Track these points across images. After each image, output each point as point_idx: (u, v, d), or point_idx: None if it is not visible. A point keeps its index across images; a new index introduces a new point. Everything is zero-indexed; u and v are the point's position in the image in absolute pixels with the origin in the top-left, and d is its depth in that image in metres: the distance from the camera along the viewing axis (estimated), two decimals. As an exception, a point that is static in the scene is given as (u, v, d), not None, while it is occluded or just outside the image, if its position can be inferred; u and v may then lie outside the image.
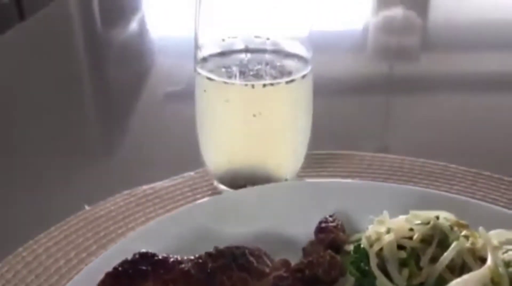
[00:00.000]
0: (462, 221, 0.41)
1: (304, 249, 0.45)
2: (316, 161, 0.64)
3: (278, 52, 0.54)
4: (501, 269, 0.34)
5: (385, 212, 0.41)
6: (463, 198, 0.50)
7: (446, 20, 1.27)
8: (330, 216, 0.47)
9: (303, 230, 0.47)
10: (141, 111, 0.82)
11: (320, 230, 0.46)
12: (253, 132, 0.52)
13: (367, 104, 0.84)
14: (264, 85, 0.50)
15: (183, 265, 0.40)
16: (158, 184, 0.60)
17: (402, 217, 0.40)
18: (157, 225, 0.48)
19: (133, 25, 1.29)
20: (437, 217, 0.40)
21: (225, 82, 0.50)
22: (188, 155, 0.60)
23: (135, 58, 1.05)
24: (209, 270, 0.40)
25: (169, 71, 0.97)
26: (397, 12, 1.38)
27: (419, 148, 0.67)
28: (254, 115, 0.51)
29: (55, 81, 0.91)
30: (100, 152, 0.69)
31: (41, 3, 1.30)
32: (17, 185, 0.61)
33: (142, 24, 1.33)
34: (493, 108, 0.82)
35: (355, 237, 0.44)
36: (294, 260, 0.44)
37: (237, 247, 0.42)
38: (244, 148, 0.53)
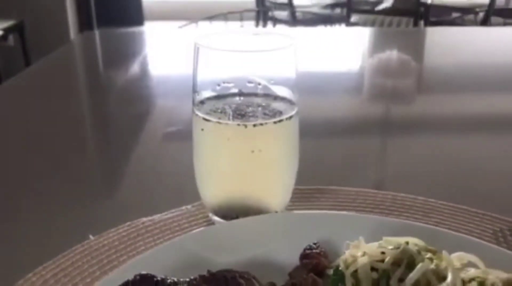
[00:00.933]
0: (430, 247, 0.46)
1: (290, 274, 0.50)
2: (304, 195, 0.69)
3: (268, 95, 0.60)
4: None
5: (361, 238, 0.46)
6: (434, 227, 0.55)
7: (440, 63, 1.33)
8: (314, 243, 0.52)
9: (290, 256, 0.52)
10: (141, 150, 0.88)
11: (304, 256, 0.51)
12: (246, 168, 0.57)
13: (361, 144, 0.89)
14: (255, 125, 0.55)
15: (179, 286, 0.44)
16: (157, 217, 0.64)
17: (375, 243, 0.45)
18: (154, 253, 0.53)
19: (135, 68, 1.35)
20: (407, 243, 0.44)
21: (220, 123, 0.56)
22: (186, 190, 0.65)
23: (136, 100, 1.12)
24: (202, 291, 0.44)
25: (168, 112, 1.03)
26: (392, 55, 1.45)
27: (411, 186, 0.71)
28: (248, 152, 0.56)
29: (56, 123, 0.96)
30: (103, 188, 0.74)
31: (47, 48, 1.38)
32: (30, 221, 0.66)
33: (143, 66, 1.40)
34: (484, 147, 0.86)
35: (336, 262, 0.48)
36: (281, 283, 0.48)
37: (228, 271, 0.47)
38: (237, 182, 0.58)
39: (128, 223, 0.63)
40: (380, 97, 1.14)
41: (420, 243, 0.45)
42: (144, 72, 1.37)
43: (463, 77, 1.20)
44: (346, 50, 1.53)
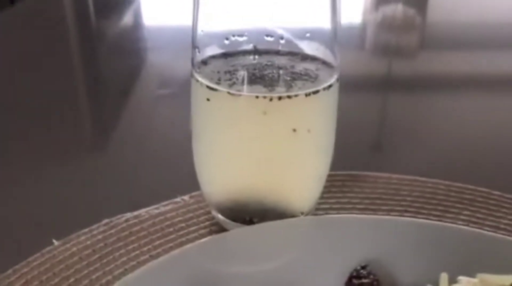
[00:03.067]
0: (542, 287, 0.31)
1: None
2: (334, 184, 0.53)
3: (295, 54, 0.44)
4: None
5: (444, 276, 0.31)
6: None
7: (445, 19, 1.21)
8: (362, 267, 0.37)
9: (326, 282, 0.38)
10: (128, 116, 0.72)
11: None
12: (265, 155, 0.42)
13: (364, 101, 0.78)
14: (280, 98, 0.39)
15: None
16: (144, 212, 0.49)
17: (466, 284, 0.30)
18: (145, 273, 0.37)
19: (128, 17, 1.18)
20: (515, 285, 0.30)
21: (230, 93, 0.40)
22: (183, 172, 0.49)
23: (128, 53, 0.95)
24: None
25: (164, 69, 0.86)
26: (396, 9, 1.32)
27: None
28: (276, 134, 0.40)
29: (41, 73, 0.81)
30: (76, 168, 0.58)
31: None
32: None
33: (137, 15, 1.22)
34: (491, 107, 0.77)
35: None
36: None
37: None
38: (253, 174, 0.43)
39: (105, 220, 0.48)
40: (384, 53, 1.03)
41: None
42: (138, 19, 1.19)
43: (470, 33, 1.09)
44: (349, 3, 1.36)
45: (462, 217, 0.50)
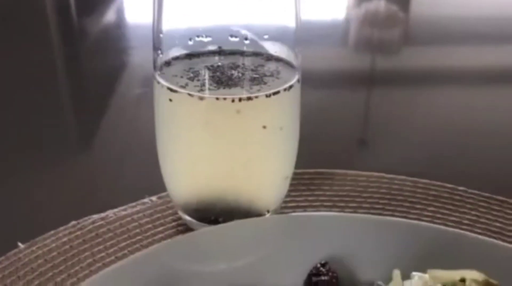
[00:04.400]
0: (492, 280, 0.32)
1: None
2: (302, 182, 0.54)
3: (258, 55, 0.44)
4: None
5: (397, 273, 0.32)
6: (487, 239, 0.41)
7: (428, 14, 1.21)
8: (322, 265, 0.38)
9: (288, 279, 0.38)
10: (110, 114, 0.72)
11: (309, 283, 0.37)
12: (228, 155, 0.42)
13: (347, 96, 0.79)
14: (240, 100, 0.39)
15: None
16: (112, 213, 0.49)
17: (418, 280, 0.31)
18: (109, 275, 0.37)
19: (110, 14, 1.17)
20: (463, 280, 0.30)
21: (191, 95, 0.40)
22: (153, 172, 0.49)
23: (110, 51, 0.94)
24: None
25: (145, 68, 0.86)
26: (379, 4, 1.31)
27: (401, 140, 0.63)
28: (227, 135, 0.41)
29: (22, 72, 0.80)
30: (43, 170, 0.58)
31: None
32: None
33: (119, 12, 1.21)
34: (476, 100, 0.79)
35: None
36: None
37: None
38: (219, 174, 0.43)
39: (72, 223, 0.48)
40: (367, 49, 1.04)
41: (480, 277, 0.31)
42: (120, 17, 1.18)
43: (452, 28, 1.09)
44: None
45: (426, 213, 0.51)
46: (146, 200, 0.51)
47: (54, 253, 0.44)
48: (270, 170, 0.44)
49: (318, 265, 0.38)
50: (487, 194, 0.53)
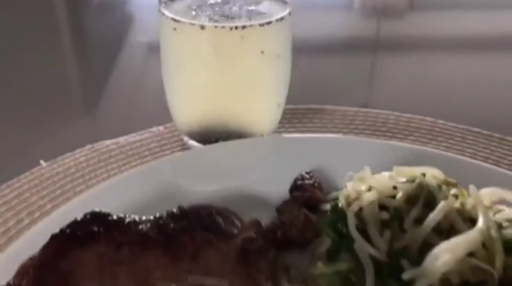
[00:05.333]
0: (451, 179, 0.37)
1: (277, 209, 0.41)
2: (295, 116, 0.59)
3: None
4: (493, 232, 0.30)
5: (367, 168, 0.37)
6: (452, 155, 0.46)
7: None
8: (307, 173, 0.43)
9: (278, 189, 0.43)
10: (115, 61, 0.76)
11: (295, 188, 0.42)
12: (225, 81, 0.47)
13: (352, 62, 0.80)
14: (236, 28, 0.44)
15: (140, 226, 0.36)
16: (123, 139, 0.55)
17: (385, 174, 0.36)
18: (117, 182, 0.43)
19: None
20: (424, 175, 0.36)
21: (193, 24, 0.45)
22: (159, 108, 0.55)
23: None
24: (169, 232, 0.36)
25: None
26: None
27: (405, 105, 0.63)
28: (234, 61, 0.46)
29: (28, 27, 0.84)
30: (61, 104, 0.64)
31: None
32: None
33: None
34: (480, 67, 0.78)
35: (333, 195, 0.40)
36: (267, 220, 0.40)
37: (203, 207, 0.38)
38: (215, 98, 0.48)
39: (88, 146, 0.53)
40: (372, 14, 1.04)
41: (439, 174, 0.37)
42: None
43: None
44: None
45: (406, 141, 0.56)
46: (154, 129, 0.57)
47: (73, 170, 0.50)
48: (266, 95, 0.49)
49: (304, 173, 0.43)
50: (462, 126, 0.58)
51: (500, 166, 0.51)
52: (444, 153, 0.46)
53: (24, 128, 0.57)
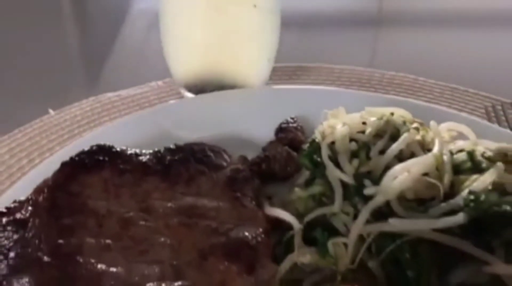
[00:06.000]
0: (417, 119, 0.41)
1: (263, 148, 0.46)
2: (285, 73, 0.63)
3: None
4: (445, 157, 0.35)
5: (341, 107, 0.42)
6: (422, 102, 0.50)
7: None
8: (292, 118, 0.48)
9: (265, 132, 0.48)
10: (118, 27, 0.80)
11: (280, 130, 0.47)
12: (218, 34, 0.51)
13: (351, 33, 0.82)
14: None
15: (141, 157, 0.40)
16: (124, 92, 0.59)
17: (357, 114, 0.41)
18: (119, 125, 0.48)
19: None
20: (392, 114, 0.40)
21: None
22: (159, 65, 0.59)
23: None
24: (166, 162, 0.40)
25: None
26: None
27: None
28: (219, 15, 0.50)
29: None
30: (67, 57, 0.68)
31: None
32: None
33: None
34: (480, 41, 0.79)
35: (313, 136, 0.44)
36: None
37: (197, 143, 0.43)
38: (208, 51, 0.52)
39: (92, 98, 0.58)
40: None
41: (407, 115, 0.41)
42: None
43: None
44: None
45: (388, 96, 0.60)
46: (153, 83, 0.61)
47: (79, 118, 0.55)
48: (257, 48, 0.53)
49: (289, 118, 0.48)
50: (442, 83, 0.62)
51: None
52: (414, 101, 0.50)
53: (35, 81, 0.62)
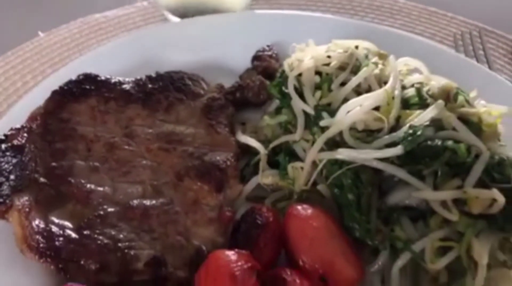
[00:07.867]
0: (383, 51, 0.44)
1: (240, 76, 0.49)
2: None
3: None
4: (396, 92, 0.38)
5: (311, 41, 0.44)
6: (392, 29, 0.53)
7: None
8: (268, 46, 0.51)
9: (243, 60, 0.51)
10: None
11: (256, 58, 0.50)
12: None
13: None
14: None
15: (124, 85, 0.44)
16: (111, 13, 0.61)
17: (324, 46, 0.44)
18: (104, 50, 0.51)
19: None
20: (357, 47, 0.43)
21: None
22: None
23: None
24: (147, 90, 0.44)
25: None
26: None
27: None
28: None
29: None
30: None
31: None
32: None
33: None
34: None
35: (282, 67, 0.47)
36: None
37: (176, 72, 0.46)
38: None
39: (80, 19, 0.60)
40: None
41: (372, 47, 0.44)
42: None
43: None
44: None
45: (367, 19, 0.62)
46: (138, 3, 0.63)
47: (68, 40, 0.57)
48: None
49: (265, 46, 0.50)
50: (421, 6, 0.63)
51: (443, 43, 0.58)
52: (385, 28, 0.52)
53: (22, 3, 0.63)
